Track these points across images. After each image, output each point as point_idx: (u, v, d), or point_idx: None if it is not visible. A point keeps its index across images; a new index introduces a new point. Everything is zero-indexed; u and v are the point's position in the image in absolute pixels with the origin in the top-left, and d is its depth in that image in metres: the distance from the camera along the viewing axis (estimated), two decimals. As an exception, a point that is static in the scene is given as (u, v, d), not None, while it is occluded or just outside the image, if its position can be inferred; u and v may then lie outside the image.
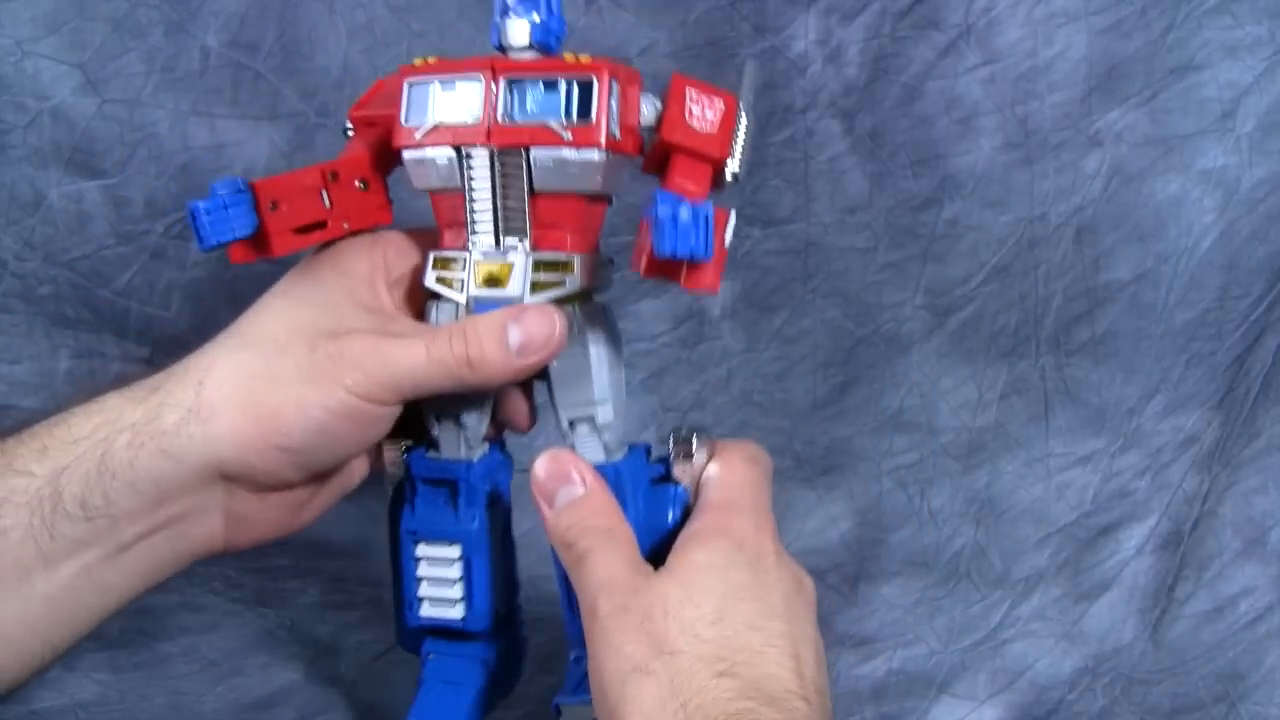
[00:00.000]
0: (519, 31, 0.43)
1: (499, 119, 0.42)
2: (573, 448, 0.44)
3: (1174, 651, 0.66)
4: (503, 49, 0.44)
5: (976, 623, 0.67)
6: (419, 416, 0.46)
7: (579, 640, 0.42)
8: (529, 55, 0.43)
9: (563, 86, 0.42)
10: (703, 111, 0.43)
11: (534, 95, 0.42)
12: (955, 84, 0.70)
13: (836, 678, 0.65)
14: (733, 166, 0.44)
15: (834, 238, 0.72)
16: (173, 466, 0.40)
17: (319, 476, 0.45)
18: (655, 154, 0.44)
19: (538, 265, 0.43)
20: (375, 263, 0.45)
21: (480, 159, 0.43)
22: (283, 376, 0.41)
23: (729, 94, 0.44)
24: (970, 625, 0.67)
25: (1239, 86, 0.69)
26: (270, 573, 0.69)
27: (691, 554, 0.40)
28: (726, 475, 0.43)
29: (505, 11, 0.43)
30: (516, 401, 0.47)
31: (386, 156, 0.46)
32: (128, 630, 0.64)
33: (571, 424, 0.45)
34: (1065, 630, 0.67)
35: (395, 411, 0.43)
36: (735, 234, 0.43)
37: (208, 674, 0.57)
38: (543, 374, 0.44)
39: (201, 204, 0.41)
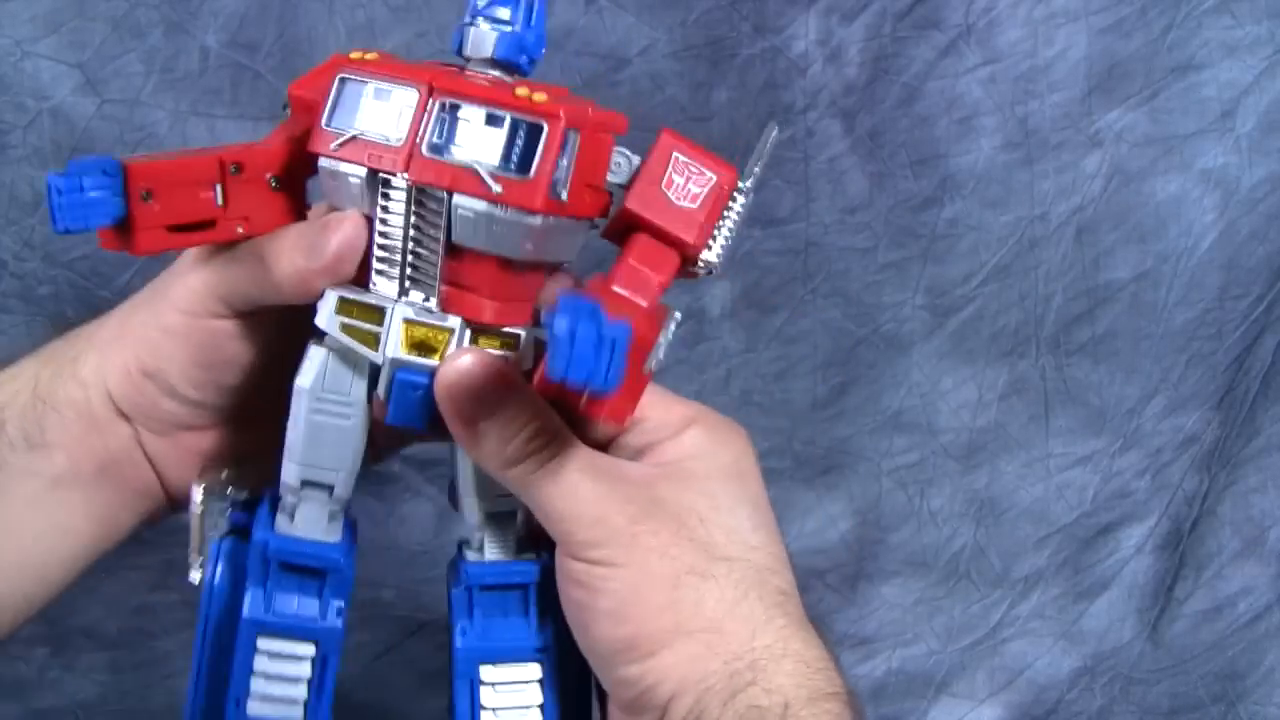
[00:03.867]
0: (484, 41, 0.35)
1: (423, 149, 0.34)
2: (481, 544, 0.38)
3: (1173, 651, 0.66)
4: (464, 59, 0.36)
5: (976, 622, 0.67)
6: (258, 456, 0.39)
7: None
8: (490, 71, 0.36)
9: (507, 124, 0.34)
10: (686, 183, 0.36)
11: (469, 128, 0.34)
12: (955, 84, 0.70)
13: (836, 677, 0.65)
14: (709, 256, 0.36)
15: (834, 238, 0.72)
16: (83, 394, 0.40)
17: (217, 420, 0.42)
18: (618, 222, 0.36)
19: (478, 336, 0.36)
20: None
21: (398, 191, 0.35)
22: (140, 303, 0.41)
23: (729, 167, 0.36)
24: (969, 625, 0.67)
25: (1239, 86, 0.69)
26: (270, 572, 0.69)
27: (698, 466, 0.37)
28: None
29: (475, 14, 0.36)
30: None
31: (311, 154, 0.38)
32: (127, 630, 0.64)
33: (488, 516, 0.38)
34: (1064, 630, 0.67)
35: (234, 331, 0.39)
36: (735, 234, 0.37)
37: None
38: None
39: (58, 179, 0.33)
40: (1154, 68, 0.69)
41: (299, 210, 0.38)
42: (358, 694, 0.59)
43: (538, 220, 0.34)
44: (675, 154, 0.36)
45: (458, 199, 0.34)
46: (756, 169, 0.37)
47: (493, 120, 0.34)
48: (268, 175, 0.37)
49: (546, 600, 0.38)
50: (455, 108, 0.34)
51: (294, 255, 0.36)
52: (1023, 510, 0.71)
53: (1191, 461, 0.71)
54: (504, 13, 0.35)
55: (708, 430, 0.38)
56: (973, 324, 0.72)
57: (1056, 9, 0.69)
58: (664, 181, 0.35)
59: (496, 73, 0.36)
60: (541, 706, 0.38)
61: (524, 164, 0.33)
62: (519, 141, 0.34)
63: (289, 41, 0.67)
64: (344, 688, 0.60)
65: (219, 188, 0.36)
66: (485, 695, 0.38)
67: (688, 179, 0.36)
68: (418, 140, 0.34)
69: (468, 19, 0.35)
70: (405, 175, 0.34)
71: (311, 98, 0.37)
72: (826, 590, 0.69)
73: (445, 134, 0.34)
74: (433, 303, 0.35)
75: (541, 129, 0.33)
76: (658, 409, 0.38)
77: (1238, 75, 0.69)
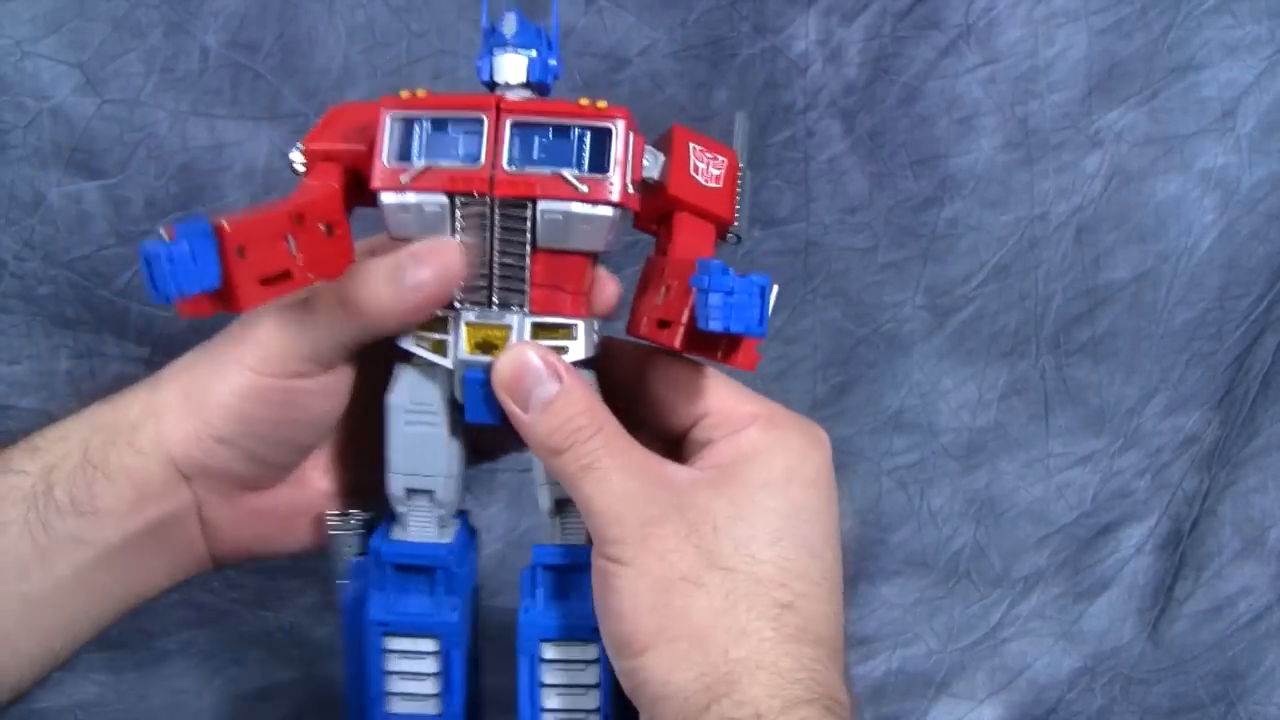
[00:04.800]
0: (515, 68, 0.39)
1: (505, 166, 0.37)
2: (558, 528, 0.41)
3: (1173, 651, 0.66)
4: (492, 86, 0.39)
5: (976, 622, 0.67)
6: (369, 486, 0.42)
7: None
8: (524, 94, 0.39)
9: (575, 133, 0.37)
10: (707, 167, 0.40)
11: (542, 141, 0.38)
12: (955, 84, 0.70)
13: (836, 677, 0.65)
14: (737, 225, 0.41)
15: (834, 238, 0.72)
16: (141, 462, 0.40)
17: (282, 477, 0.43)
18: (652, 210, 0.40)
19: (537, 330, 0.39)
20: None
21: (477, 209, 0.38)
22: (204, 373, 0.40)
23: (728, 149, 0.42)
24: (969, 625, 0.67)
25: (1239, 86, 0.69)
26: (269, 573, 0.69)
27: (742, 470, 0.37)
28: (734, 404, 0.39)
29: (500, 45, 0.39)
30: (603, 281, 0.41)
31: (350, 197, 0.40)
32: (127, 630, 0.64)
33: (557, 502, 0.41)
34: (1064, 630, 0.67)
35: (317, 388, 0.40)
36: (747, 204, 0.41)
37: (205, 669, 0.57)
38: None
39: (160, 247, 0.33)
40: (1154, 68, 0.69)
41: (350, 253, 0.40)
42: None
43: (615, 213, 0.38)
44: (691, 144, 0.40)
45: (543, 204, 0.37)
46: (744, 153, 0.42)
47: (562, 131, 0.38)
48: (320, 224, 0.39)
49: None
50: (527, 125, 0.37)
51: (384, 287, 0.38)
52: (1023, 510, 0.71)
53: (1191, 461, 0.71)
54: (531, 41, 0.39)
55: (766, 431, 0.38)
56: (973, 324, 0.72)
57: (1056, 9, 0.69)
58: (691, 169, 0.40)
59: (528, 93, 0.39)
60: (598, 686, 0.40)
61: (599, 164, 0.37)
62: (590, 145, 0.37)
63: (289, 41, 0.67)
64: (341, 688, 0.60)
65: (290, 239, 0.38)
66: (545, 672, 0.40)
67: (707, 164, 0.40)
68: (499, 160, 0.37)
69: (494, 51, 0.39)
70: (491, 195, 0.37)
71: (330, 148, 0.40)
72: (826, 590, 0.69)
73: (523, 150, 0.37)
74: (524, 306, 0.39)
75: (610, 131, 0.37)
76: (726, 403, 0.39)
77: (1238, 75, 0.69)
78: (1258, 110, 0.69)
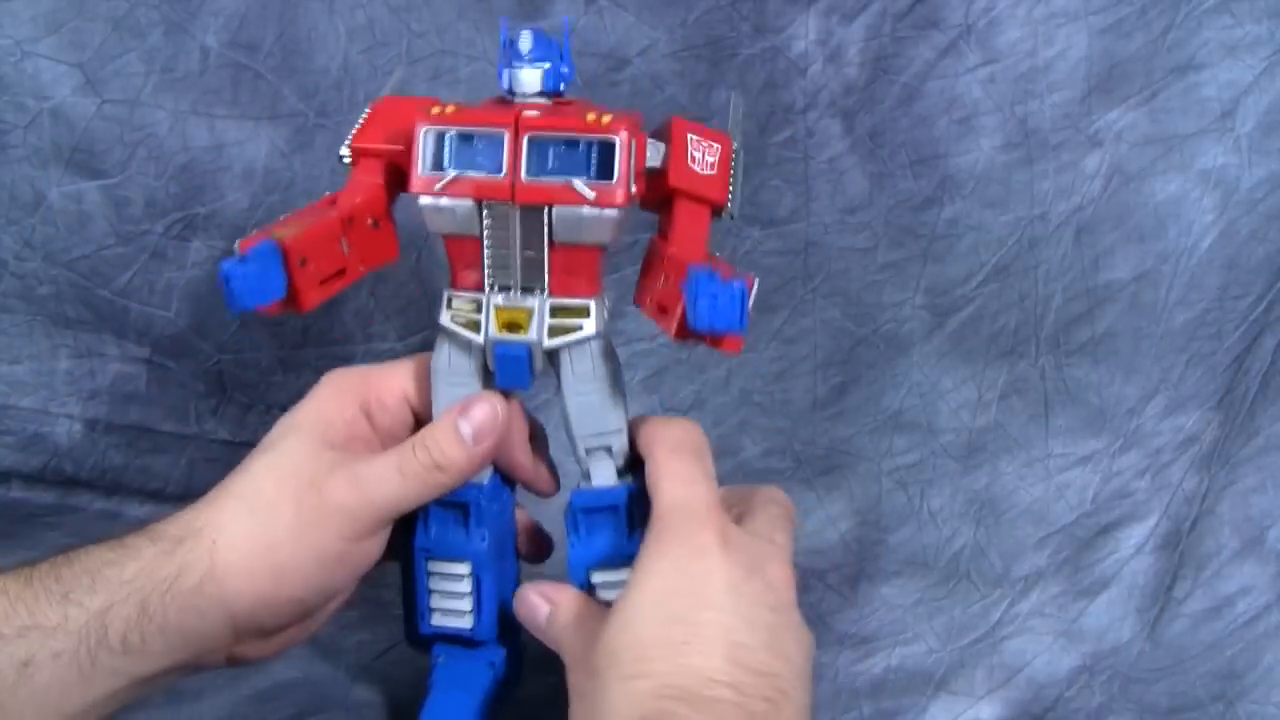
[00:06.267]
0: (532, 79, 0.44)
1: (523, 177, 0.43)
2: (588, 474, 0.48)
3: (1172, 650, 0.66)
4: (511, 93, 0.45)
5: (976, 621, 0.67)
6: None
7: None
8: (539, 100, 0.45)
9: (584, 145, 0.43)
10: (703, 155, 0.46)
11: (555, 153, 0.44)
12: (955, 84, 0.70)
13: (835, 675, 0.65)
14: (730, 206, 0.46)
15: (834, 238, 0.72)
16: (196, 620, 0.44)
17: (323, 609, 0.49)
18: (654, 193, 0.46)
19: (555, 310, 0.46)
20: (353, 410, 0.48)
21: (501, 212, 0.44)
22: (277, 540, 0.44)
23: (724, 135, 0.47)
24: (969, 624, 0.67)
25: (1239, 86, 0.69)
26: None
27: (637, 569, 0.42)
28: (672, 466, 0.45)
29: (518, 59, 0.44)
30: (540, 471, 0.51)
31: (391, 189, 0.47)
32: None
33: (588, 451, 0.48)
34: (1064, 628, 0.67)
35: (384, 537, 0.47)
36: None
37: (206, 670, 0.57)
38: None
39: (235, 267, 0.41)
40: (1154, 68, 0.69)
41: (394, 242, 0.48)
42: (358, 692, 0.60)
43: (621, 212, 0.44)
44: (689, 135, 0.46)
45: (557, 209, 0.44)
46: (738, 134, 0.47)
47: (572, 144, 0.43)
48: (369, 220, 0.46)
49: (635, 516, 0.47)
50: (541, 140, 0.43)
51: (460, 451, 0.46)
52: (1023, 510, 0.71)
53: (1191, 461, 0.71)
54: (544, 55, 0.44)
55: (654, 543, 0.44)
56: (972, 324, 0.72)
57: (1056, 9, 0.69)
58: (688, 158, 0.45)
59: (543, 100, 0.45)
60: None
61: (605, 172, 0.43)
62: (597, 156, 0.43)
63: (289, 41, 0.67)
64: (344, 685, 0.60)
65: (343, 240, 0.45)
66: (599, 595, 0.47)
67: (703, 152, 0.46)
68: (517, 171, 0.43)
69: (512, 63, 0.45)
70: (513, 201, 0.44)
71: (374, 147, 0.47)
72: (826, 590, 0.69)
73: (538, 161, 0.43)
74: (544, 291, 0.45)
75: (614, 144, 0.43)
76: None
77: (1238, 75, 0.69)
78: (1257, 110, 0.69)
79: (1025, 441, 0.72)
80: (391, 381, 0.48)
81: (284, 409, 0.49)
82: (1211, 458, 0.71)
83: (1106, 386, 0.72)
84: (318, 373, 0.50)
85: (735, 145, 0.47)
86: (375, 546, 0.47)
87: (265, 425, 0.50)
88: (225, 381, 0.72)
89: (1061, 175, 0.71)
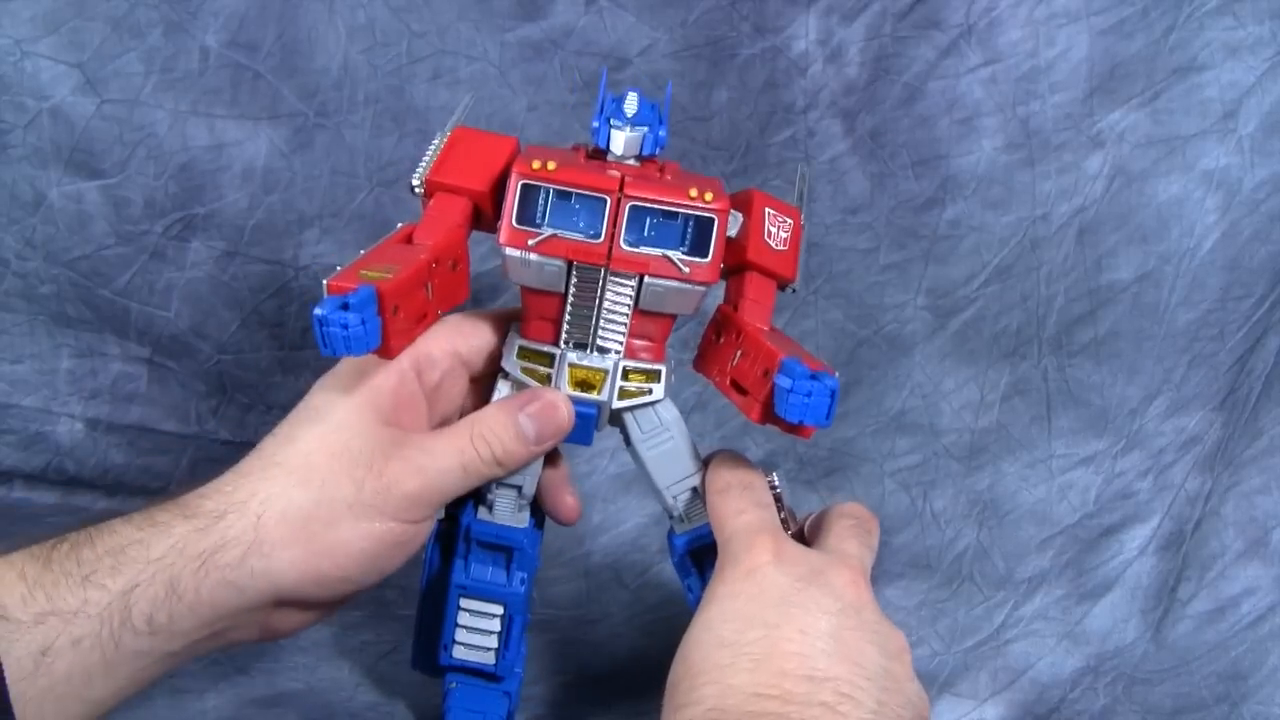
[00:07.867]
0: (633, 143, 0.45)
1: (621, 245, 0.44)
2: (682, 518, 0.49)
3: (1176, 651, 0.66)
4: (603, 150, 0.46)
5: (979, 624, 0.67)
6: None
7: None
8: (631, 162, 0.45)
9: (682, 219, 0.44)
10: (779, 231, 0.47)
11: (652, 222, 0.44)
12: (956, 84, 0.69)
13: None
14: (795, 282, 0.48)
15: (835, 238, 0.72)
16: (235, 595, 0.43)
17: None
18: (728, 262, 0.46)
19: (627, 373, 0.47)
20: (400, 369, 0.46)
21: (591, 275, 0.45)
22: (334, 517, 0.43)
23: (794, 209, 0.48)
24: (973, 626, 0.67)
25: (1241, 87, 0.69)
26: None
27: (699, 605, 0.42)
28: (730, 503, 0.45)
29: (616, 116, 0.45)
30: (564, 498, 0.51)
31: (468, 228, 0.47)
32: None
33: (675, 498, 0.48)
34: (1068, 630, 0.67)
35: (435, 519, 0.47)
36: (793, 288, 0.47)
37: (209, 672, 0.57)
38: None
39: (334, 316, 0.39)
40: (1156, 68, 0.69)
41: (467, 281, 0.47)
42: (362, 693, 0.59)
43: (707, 288, 0.45)
44: (767, 209, 0.47)
45: (650, 280, 0.45)
46: (804, 206, 0.49)
47: (670, 215, 0.44)
48: (450, 261, 0.45)
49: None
50: (643, 209, 0.44)
51: (520, 448, 0.46)
52: (1026, 511, 0.71)
53: (1194, 462, 0.71)
54: (645, 119, 0.45)
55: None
56: (975, 325, 0.72)
57: (1058, 9, 0.69)
58: (765, 233, 0.46)
59: (634, 162, 0.45)
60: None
61: (700, 248, 0.44)
62: (694, 231, 0.44)
63: (289, 41, 0.67)
64: (348, 688, 0.60)
65: (428, 285, 0.44)
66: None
67: (779, 227, 0.47)
68: (616, 238, 0.44)
69: (615, 123, 0.45)
70: (607, 265, 0.44)
71: (451, 183, 0.46)
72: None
73: (637, 231, 0.44)
74: (620, 354, 0.46)
75: (713, 222, 0.44)
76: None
77: (1240, 76, 0.69)
78: (1259, 111, 0.69)
79: (1028, 442, 0.72)
80: (439, 339, 0.47)
81: (284, 409, 0.48)
82: (1214, 458, 0.70)
83: (1109, 387, 0.71)
84: (317, 373, 0.49)
85: (802, 221, 0.48)
86: (428, 528, 0.47)
87: (265, 425, 0.49)
88: (225, 381, 0.71)
89: (1063, 176, 0.70)
